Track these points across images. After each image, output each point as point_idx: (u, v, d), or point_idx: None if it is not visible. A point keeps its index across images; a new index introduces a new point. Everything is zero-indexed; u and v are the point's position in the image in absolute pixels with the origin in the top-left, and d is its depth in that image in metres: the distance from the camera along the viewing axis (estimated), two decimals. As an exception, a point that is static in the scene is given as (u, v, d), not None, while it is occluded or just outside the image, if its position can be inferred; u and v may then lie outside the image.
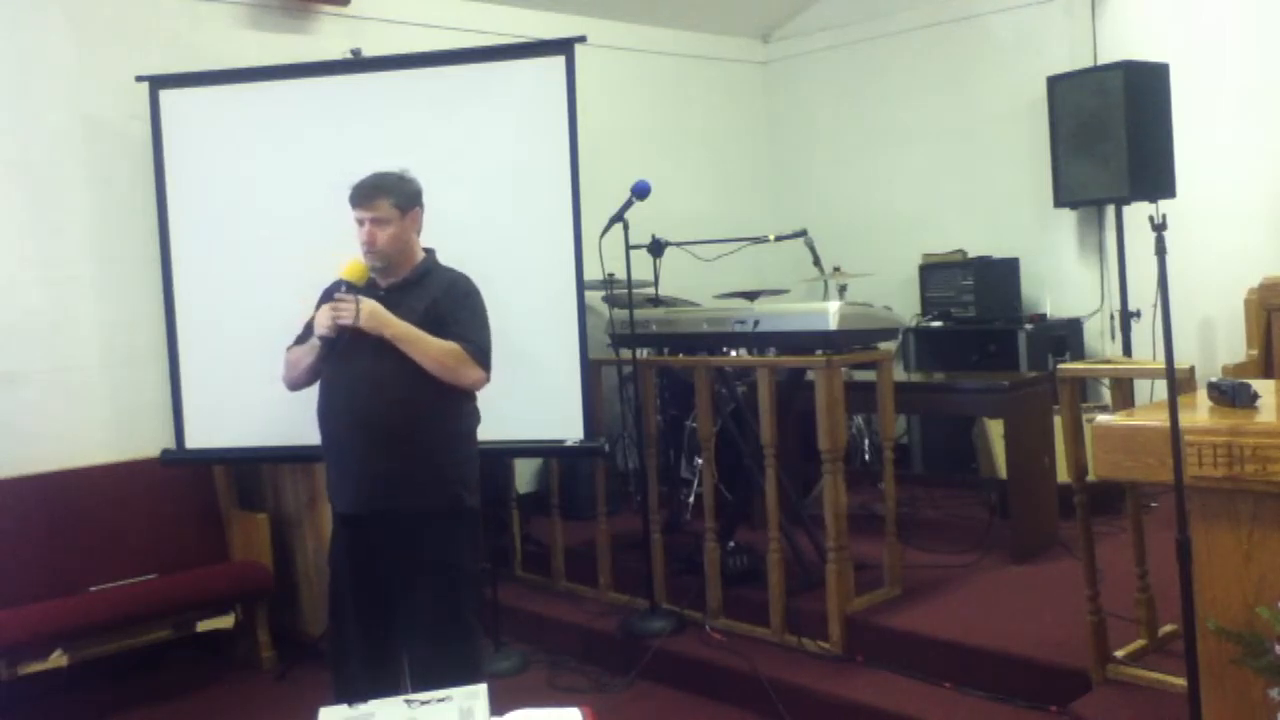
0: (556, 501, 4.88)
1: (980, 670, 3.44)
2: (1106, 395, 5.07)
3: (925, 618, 3.76)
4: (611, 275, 4.67)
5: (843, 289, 5.32)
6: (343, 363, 3.12)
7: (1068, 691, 3.16)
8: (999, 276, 5.84)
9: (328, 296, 3.15)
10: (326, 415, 3.19)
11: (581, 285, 4.18)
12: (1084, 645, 3.17)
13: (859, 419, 5.79)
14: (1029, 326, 5.56)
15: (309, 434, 4.25)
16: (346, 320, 3.02)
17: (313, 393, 4.24)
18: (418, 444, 3.13)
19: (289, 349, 3.31)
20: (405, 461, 3.12)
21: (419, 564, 3.15)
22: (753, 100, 7.04)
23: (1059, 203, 5.49)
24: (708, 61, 6.77)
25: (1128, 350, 5.29)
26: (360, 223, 3.14)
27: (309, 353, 3.20)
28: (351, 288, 3.09)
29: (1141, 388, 4.32)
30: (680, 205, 5.70)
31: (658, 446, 4.54)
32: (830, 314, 3.82)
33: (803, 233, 5.01)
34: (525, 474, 5.47)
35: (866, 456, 5.82)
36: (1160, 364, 2.49)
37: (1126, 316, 5.35)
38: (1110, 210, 5.53)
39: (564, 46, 4.20)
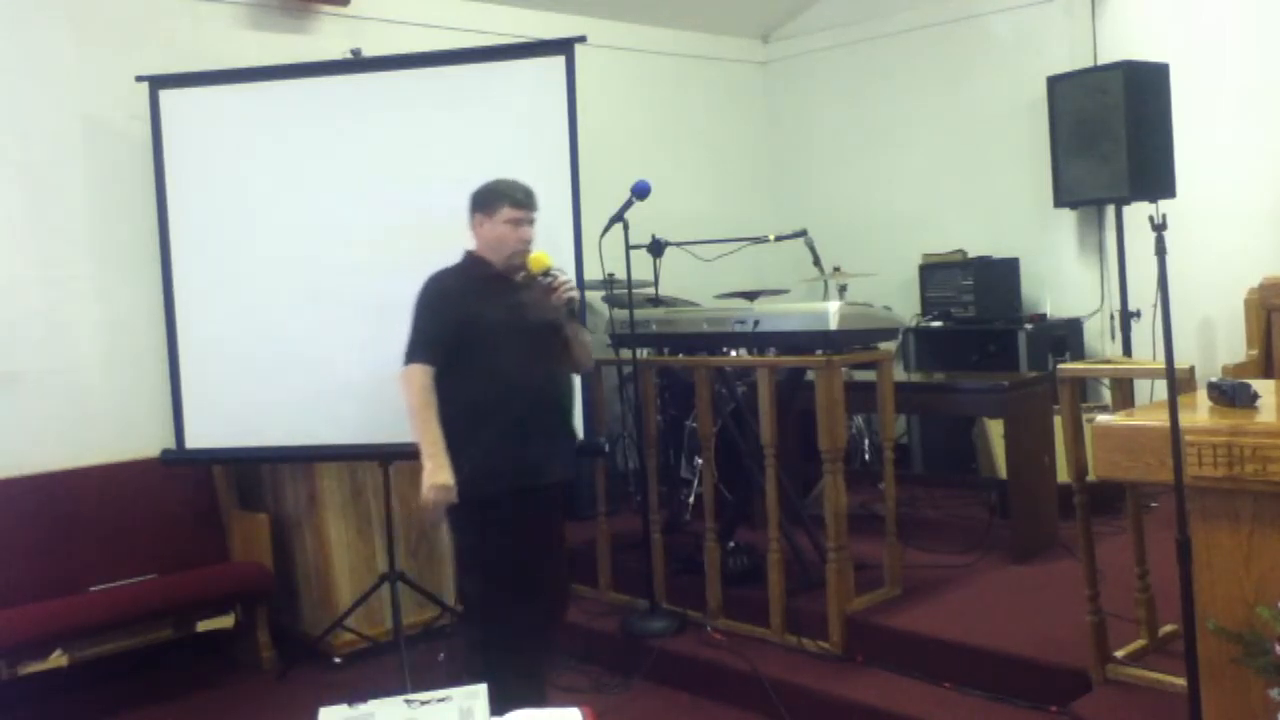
0: (556, 501, 4.88)
1: (980, 670, 3.44)
2: (1106, 395, 5.07)
3: (925, 618, 3.76)
4: (611, 275, 4.67)
5: (843, 289, 5.31)
6: (521, 345, 3.32)
7: (1068, 691, 3.16)
8: (999, 276, 5.84)
9: (442, 294, 3.35)
10: (508, 394, 3.28)
11: (581, 285, 4.18)
12: (1084, 645, 3.17)
13: (859, 419, 5.79)
14: (1029, 326, 5.56)
15: (309, 434, 4.30)
16: (575, 294, 3.38)
17: (307, 394, 4.29)
18: (570, 417, 3.58)
19: (425, 371, 3.28)
20: (568, 434, 3.55)
21: (558, 531, 3.53)
22: (753, 100, 7.04)
23: (1059, 203, 5.49)
24: (708, 61, 6.77)
25: (1128, 350, 5.29)
26: (520, 222, 3.39)
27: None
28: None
29: (1141, 388, 4.32)
30: (680, 205, 5.69)
31: (658, 446, 4.54)
32: (830, 314, 3.81)
33: (803, 233, 5.01)
34: (525, 474, 5.46)
35: (866, 456, 5.82)
36: (1160, 364, 2.49)
37: (1126, 316, 5.35)
38: (1110, 210, 5.53)
39: (564, 46, 4.21)
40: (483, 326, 3.30)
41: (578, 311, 3.44)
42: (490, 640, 3.35)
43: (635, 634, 4.15)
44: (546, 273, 3.37)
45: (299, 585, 4.65)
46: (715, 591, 4.16)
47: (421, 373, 3.28)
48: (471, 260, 3.44)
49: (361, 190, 4.29)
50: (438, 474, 3.22)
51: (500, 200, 3.37)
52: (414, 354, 3.31)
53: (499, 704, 2.30)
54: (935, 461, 5.86)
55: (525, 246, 3.39)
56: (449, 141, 4.26)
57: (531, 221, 3.42)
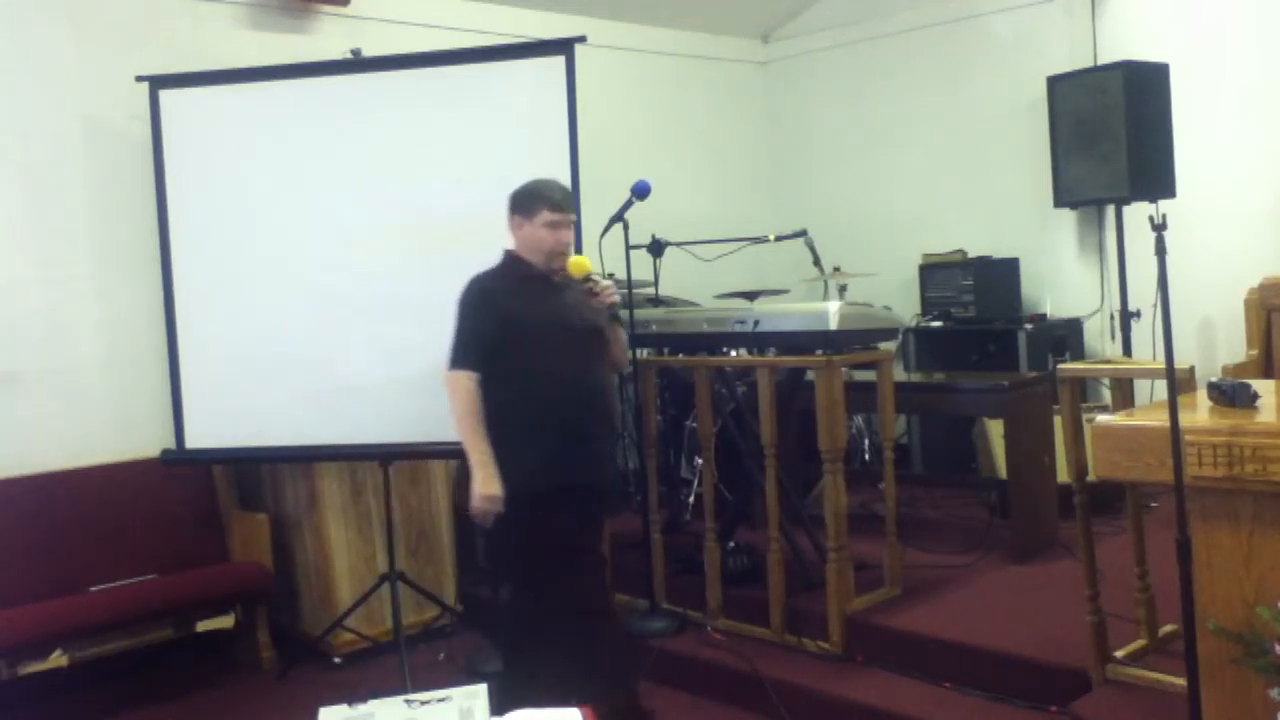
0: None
1: (980, 670, 3.44)
2: (1106, 395, 5.07)
3: (925, 618, 3.76)
4: (611, 275, 4.67)
5: (843, 289, 5.31)
6: (562, 344, 3.34)
7: (1068, 691, 3.16)
8: (999, 276, 5.84)
9: (484, 294, 3.34)
10: (551, 394, 3.29)
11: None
12: (1084, 645, 3.17)
13: (859, 419, 5.79)
14: (1029, 326, 5.56)
15: (309, 434, 4.30)
16: (617, 298, 3.39)
17: (307, 394, 4.29)
18: (615, 418, 3.58)
19: (470, 377, 3.28)
20: (611, 435, 3.55)
21: (583, 531, 3.46)
22: (753, 100, 7.04)
23: (1059, 203, 5.49)
24: (708, 61, 6.77)
25: (1128, 350, 5.29)
26: (558, 225, 3.37)
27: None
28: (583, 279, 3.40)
29: (1141, 388, 4.32)
30: (680, 205, 5.70)
31: (658, 446, 4.54)
32: (830, 314, 3.81)
33: (803, 233, 5.01)
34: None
35: (866, 456, 5.82)
36: (1160, 364, 2.49)
37: (1126, 316, 5.35)
38: (1110, 210, 5.53)
39: (564, 46, 4.20)
40: (525, 325, 3.30)
41: (620, 316, 3.46)
42: (499, 638, 3.36)
43: (635, 634, 4.15)
44: (587, 278, 3.36)
45: (299, 585, 4.65)
46: (715, 591, 4.16)
47: (467, 379, 3.28)
48: (512, 260, 3.43)
49: (361, 190, 4.29)
50: (488, 484, 3.22)
51: (539, 203, 3.36)
52: (459, 360, 3.30)
53: (502, 702, 2.31)
54: (935, 461, 5.86)
55: (564, 249, 3.38)
56: (449, 141, 4.26)
57: (570, 224, 3.42)
